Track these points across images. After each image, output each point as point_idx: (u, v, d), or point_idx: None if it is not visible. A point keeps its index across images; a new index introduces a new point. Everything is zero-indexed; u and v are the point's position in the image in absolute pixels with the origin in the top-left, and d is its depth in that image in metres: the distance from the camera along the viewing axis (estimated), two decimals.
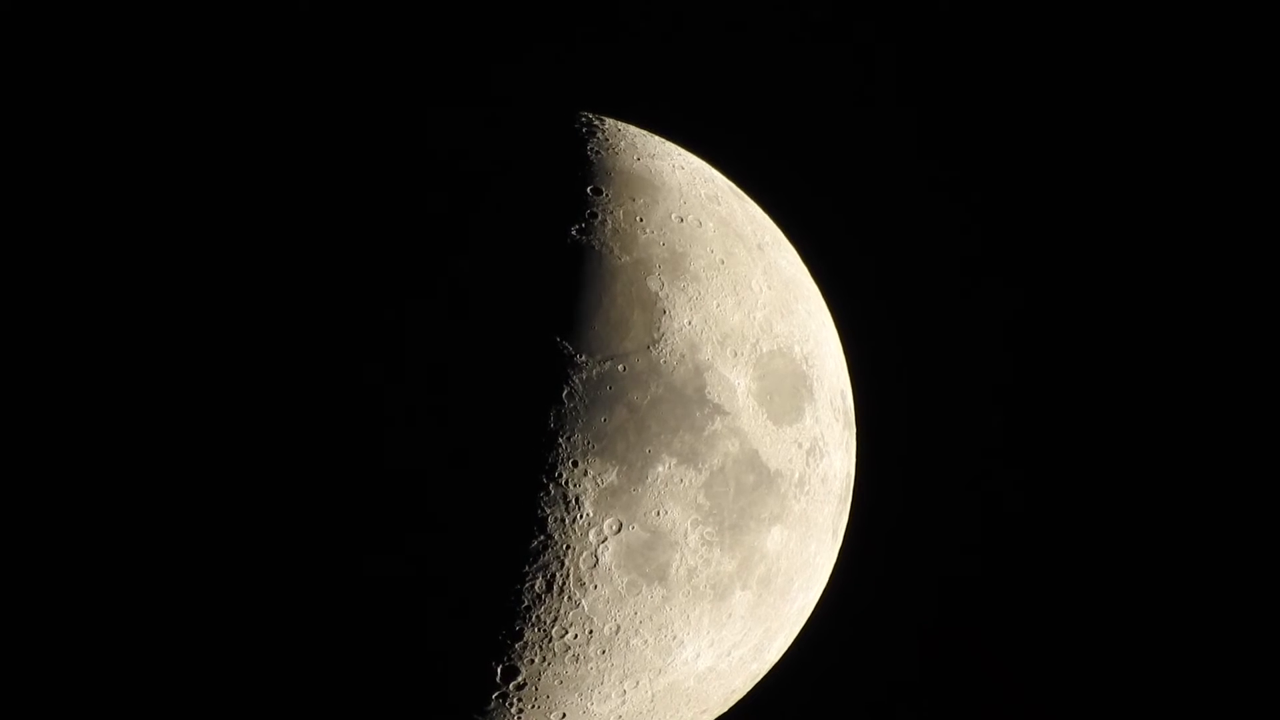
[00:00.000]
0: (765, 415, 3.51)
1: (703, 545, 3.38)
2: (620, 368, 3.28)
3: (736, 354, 3.48)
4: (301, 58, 5.35)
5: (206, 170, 3.68)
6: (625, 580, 3.31)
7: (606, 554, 3.28)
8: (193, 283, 3.41)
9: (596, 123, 3.85)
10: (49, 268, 3.58)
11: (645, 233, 3.49)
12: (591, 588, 3.29)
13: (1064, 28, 5.88)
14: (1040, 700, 5.77)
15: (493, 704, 3.39)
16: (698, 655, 3.55)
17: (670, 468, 3.30)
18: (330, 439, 3.18)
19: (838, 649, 5.34)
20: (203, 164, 3.71)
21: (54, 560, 3.45)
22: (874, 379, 4.46)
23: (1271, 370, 5.71)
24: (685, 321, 3.40)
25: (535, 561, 3.23)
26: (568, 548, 3.24)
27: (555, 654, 3.35)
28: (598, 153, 3.68)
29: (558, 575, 3.26)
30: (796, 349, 3.69)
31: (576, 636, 3.34)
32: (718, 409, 3.39)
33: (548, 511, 3.21)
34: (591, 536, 3.26)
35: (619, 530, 3.28)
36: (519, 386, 3.19)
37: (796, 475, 3.61)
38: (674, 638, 3.46)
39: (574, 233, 3.39)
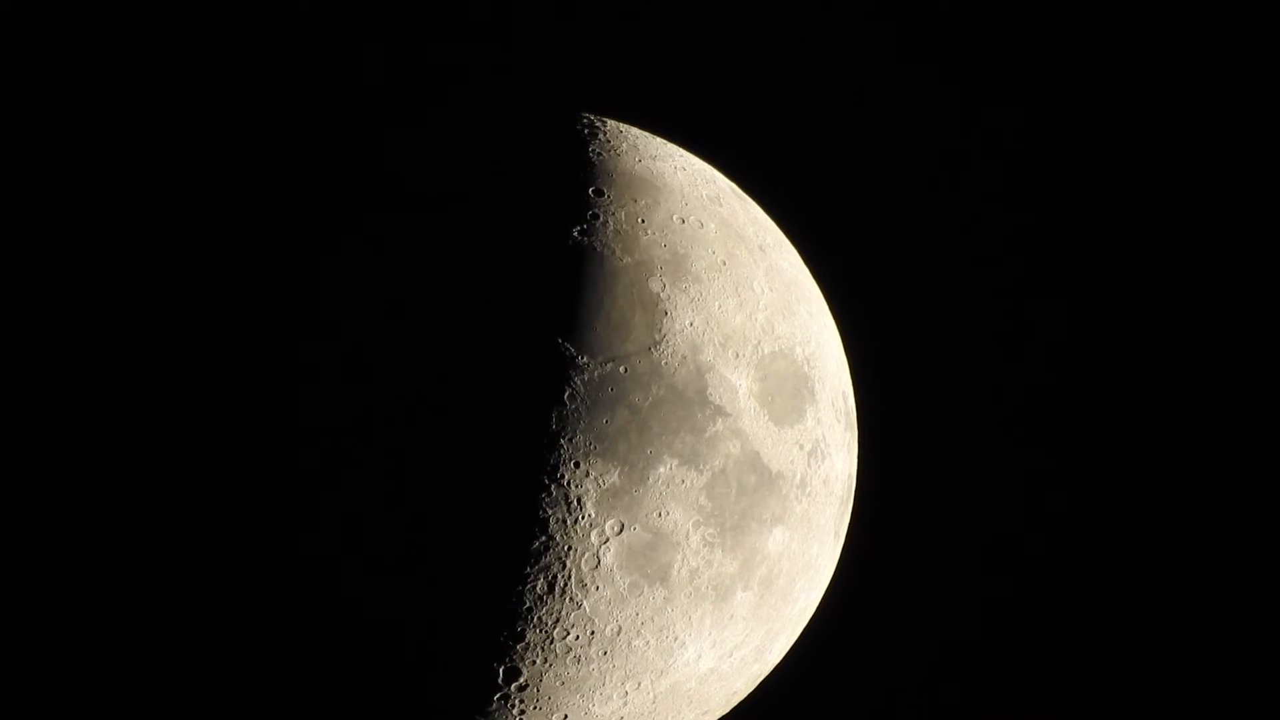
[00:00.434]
0: (767, 416, 3.51)
1: (704, 546, 3.38)
2: (622, 369, 3.28)
3: (738, 355, 3.48)
4: (302, 59, 5.36)
5: (203, 171, 3.68)
6: (627, 581, 3.32)
7: (608, 555, 3.28)
8: (189, 290, 3.41)
9: (598, 124, 3.86)
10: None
11: (647, 234, 3.50)
12: (593, 589, 3.30)
13: (1066, 27, 5.88)
14: (1041, 701, 5.76)
15: (495, 705, 3.39)
16: (699, 656, 3.55)
17: (672, 469, 3.30)
18: (330, 439, 3.19)
19: (840, 650, 5.34)
20: (198, 164, 3.71)
21: (50, 559, 3.45)
22: (875, 380, 4.46)
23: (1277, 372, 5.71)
24: (687, 323, 3.41)
25: (537, 562, 3.23)
26: (570, 549, 3.25)
27: (557, 655, 3.35)
28: (599, 154, 3.68)
29: (559, 576, 3.26)
30: (798, 350, 3.70)
31: (578, 637, 3.35)
32: (719, 410, 3.39)
33: (549, 513, 3.21)
34: (593, 537, 3.26)
35: (621, 531, 3.28)
36: (521, 388, 3.19)
37: (798, 476, 3.61)
38: (676, 639, 3.46)
39: (576, 234, 3.39)
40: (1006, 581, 5.84)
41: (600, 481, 3.23)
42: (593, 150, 3.69)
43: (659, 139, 3.99)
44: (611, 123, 3.91)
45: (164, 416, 3.32)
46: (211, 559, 3.31)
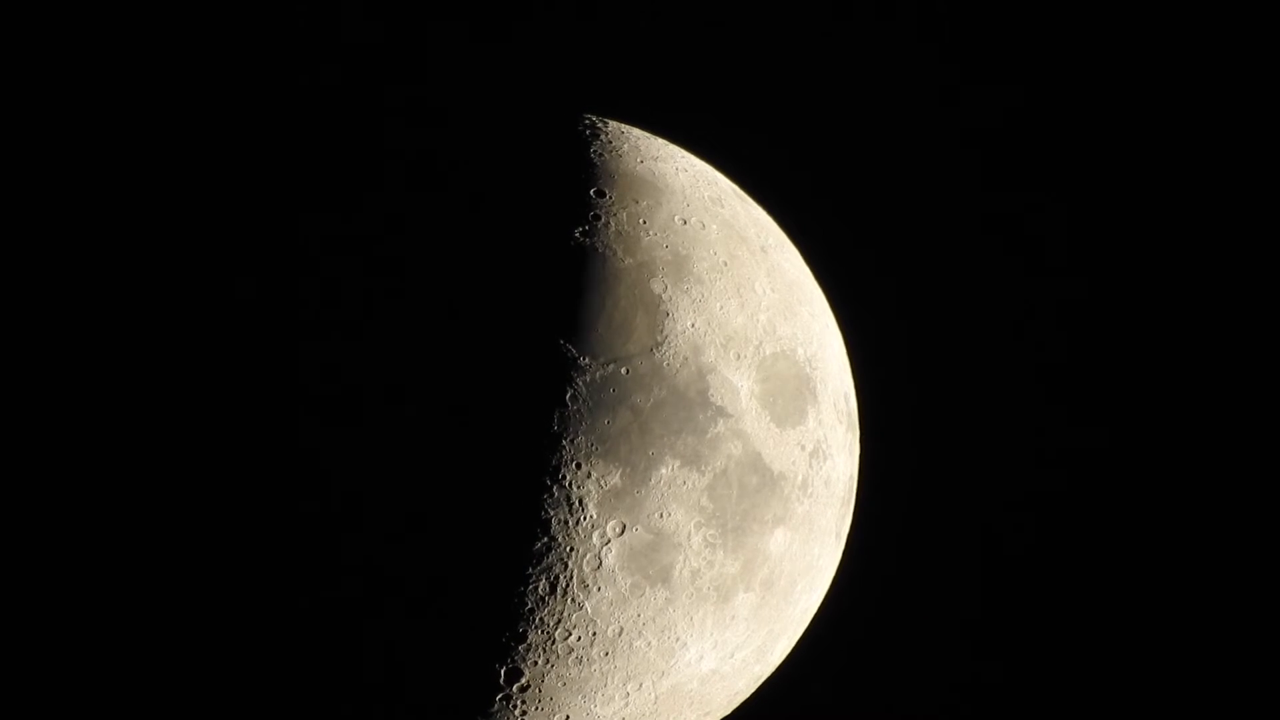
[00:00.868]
0: (768, 418, 3.51)
1: (706, 547, 3.38)
2: (624, 370, 3.28)
3: (740, 356, 3.48)
4: (303, 60, 5.36)
5: (202, 171, 3.68)
6: (629, 582, 3.32)
7: (610, 556, 3.28)
8: (188, 290, 3.42)
9: (600, 125, 3.86)
10: None
11: (648, 235, 3.50)
12: (595, 589, 3.30)
13: (1068, 27, 5.88)
14: (1043, 702, 5.76)
15: (496, 706, 3.40)
16: (701, 657, 3.55)
17: (673, 470, 3.30)
18: (332, 440, 3.19)
19: (841, 651, 5.34)
20: (197, 163, 3.71)
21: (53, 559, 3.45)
22: (877, 381, 4.46)
23: None
24: (688, 324, 3.41)
25: (539, 563, 3.23)
26: (571, 550, 3.25)
27: (559, 656, 3.35)
28: (601, 155, 3.69)
29: (561, 577, 3.26)
30: (800, 351, 3.70)
31: (580, 638, 3.35)
32: (721, 411, 3.39)
33: (551, 513, 3.21)
34: (595, 538, 3.26)
35: (622, 532, 3.28)
36: (523, 389, 3.20)
37: (800, 477, 3.61)
38: (677, 640, 3.46)
39: (577, 235, 3.39)
40: (1008, 583, 5.84)
41: (602, 482, 3.24)
42: (594, 151, 3.69)
43: (661, 140, 3.99)
44: (613, 124, 3.91)
45: (163, 427, 3.32)
46: (211, 559, 3.31)
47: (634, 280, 3.39)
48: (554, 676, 3.38)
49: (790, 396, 3.60)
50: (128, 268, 3.50)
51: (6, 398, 3.43)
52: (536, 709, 3.43)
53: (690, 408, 3.34)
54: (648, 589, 3.34)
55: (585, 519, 3.24)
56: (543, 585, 3.25)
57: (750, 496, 3.45)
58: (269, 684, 3.43)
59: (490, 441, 3.16)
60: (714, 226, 3.67)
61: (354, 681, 3.38)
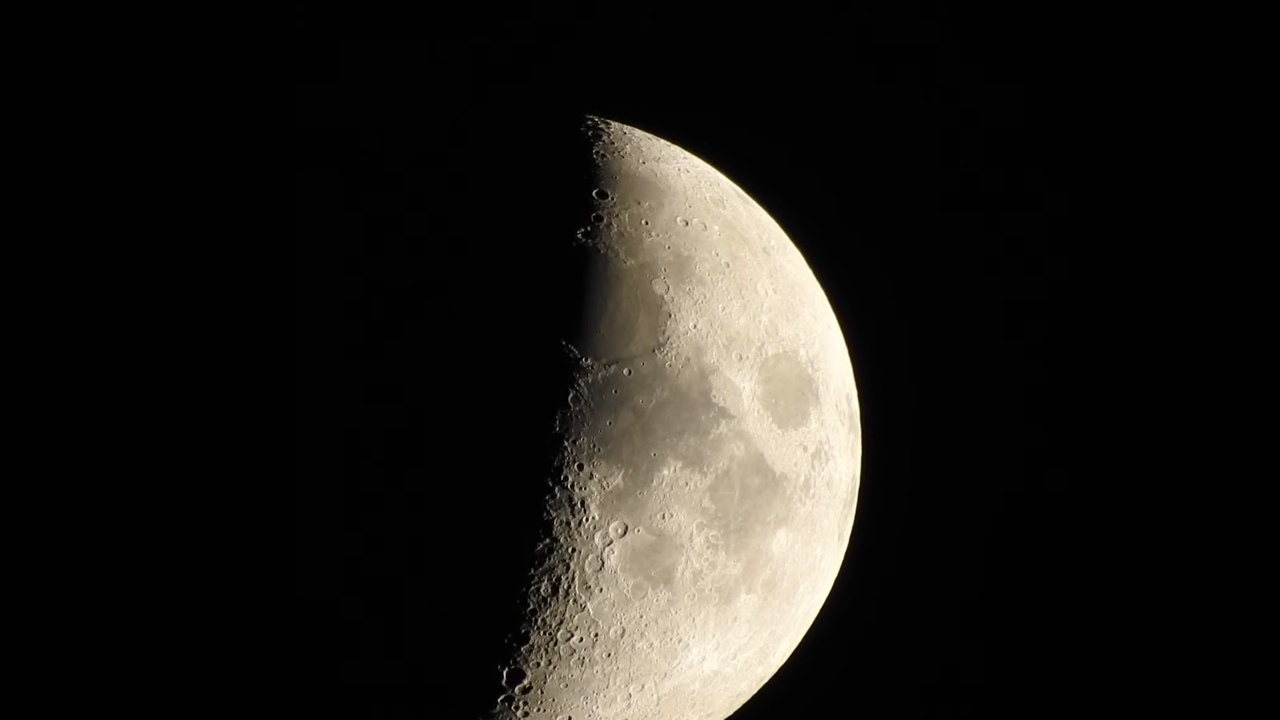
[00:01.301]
0: (771, 419, 3.51)
1: (708, 548, 3.38)
2: (626, 371, 3.28)
3: (742, 357, 3.48)
4: (304, 60, 5.37)
5: (200, 173, 3.68)
6: (631, 583, 3.32)
7: (612, 557, 3.28)
8: (186, 290, 3.42)
9: (602, 126, 3.86)
10: None
11: (650, 236, 3.50)
12: (597, 591, 3.30)
13: (1073, 26, 5.88)
14: (1044, 702, 5.75)
15: (498, 707, 3.39)
16: (703, 659, 3.55)
17: (675, 471, 3.30)
18: (333, 441, 3.19)
19: (843, 653, 5.34)
20: (195, 166, 3.72)
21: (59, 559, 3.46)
22: (879, 382, 4.46)
23: None
24: (690, 325, 3.41)
25: (541, 565, 3.23)
26: (573, 551, 3.25)
27: (561, 657, 3.35)
28: (603, 156, 3.69)
29: (563, 578, 3.26)
30: (802, 352, 3.69)
31: (582, 640, 3.35)
32: (723, 412, 3.39)
33: (553, 515, 3.21)
34: (597, 540, 3.26)
35: (624, 533, 3.28)
36: (524, 390, 3.20)
37: (802, 478, 3.60)
38: (679, 641, 3.46)
39: (579, 236, 3.39)
40: (1010, 584, 5.84)
41: (604, 484, 3.24)
42: (596, 152, 3.69)
43: (663, 141, 3.99)
44: (615, 124, 3.91)
45: (163, 428, 3.33)
46: (210, 560, 3.31)
47: (636, 281, 3.39)
48: (556, 678, 3.38)
49: (792, 398, 3.60)
50: (127, 268, 3.51)
51: (7, 398, 3.44)
52: (538, 710, 3.43)
53: (692, 409, 3.34)
54: (650, 590, 3.34)
55: (587, 520, 3.24)
56: (545, 586, 3.25)
57: (752, 498, 3.45)
58: (270, 685, 3.43)
59: (492, 442, 3.16)
60: (716, 227, 3.67)
61: (355, 682, 3.38)
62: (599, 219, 3.46)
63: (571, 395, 3.22)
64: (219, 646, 3.40)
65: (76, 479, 3.38)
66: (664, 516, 3.30)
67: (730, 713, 4.02)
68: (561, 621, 3.30)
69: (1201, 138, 5.84)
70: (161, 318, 3.42)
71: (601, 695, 3.47)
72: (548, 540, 3.22)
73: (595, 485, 3.23)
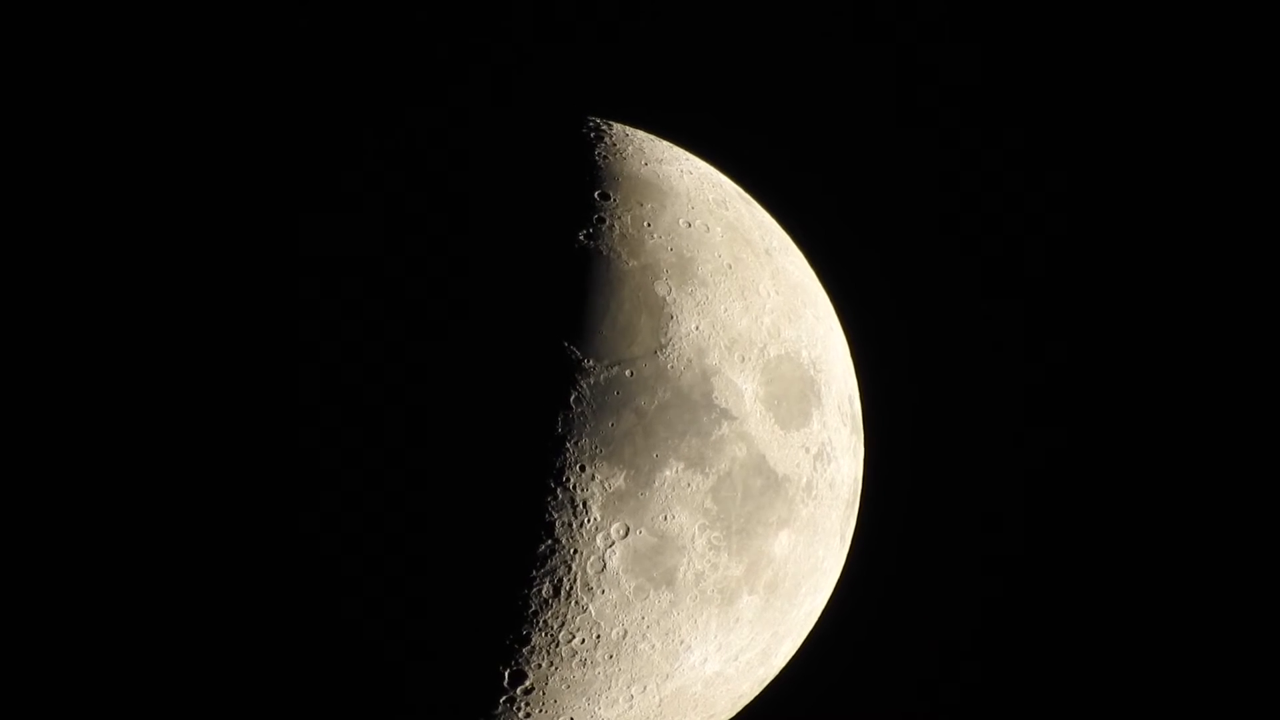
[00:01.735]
0: (773, 420, 3.51)
1: (710, 550, 3.38)
2: (628, 373, 3.28)
3: (744, 359, 3.48)
4: (305, 63, 5.37)
5: (200, 174, 3.68)
6: (633, 585, 3.31)
7: (614, 558, 3.28)
8: (185, 290, 3.42)
9: (604, 127, 3.86)
10: None
11: (653, 238, 3.50)
12: (599, 592, 3.30)
13: (1073, 28, 5.88)
14: (1045, 703, 5.75)
15: (500, 709, 3.39)
16: (705, 660, 3.55)
17: (677, 472, 3.30)
18: (334, 441, 3.19)
19: (845, 654, 5.33)
20: (201, 169, 3.72)
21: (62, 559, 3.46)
22: (881, 383, 4.46)
23: None
24: (693, 326, 3.41)
25: (543, 566, 3.23)
26: (575, 552, 3.25)
27: (563, 659, 3.35)
28: (605, 158, 3.69)
29: (565, 580, 3.26)
30: (804, 354, 3.69)
31: (584, 641, 3.34)
32: (725, 414, 3.39)
33: (555, 516, 3.21)
34: (599, 541, 3.26)
35: (626, 535, 3.28)
36: (526, 391, 3.20)
37: (804, 480, 3.60)
38: (681, 642, 3.46)
39: (582, 238, 3.40)
40: (1011, 585, 5.83)
41: (606, 485, 3.24)
42: (598, 154, 3.70)
43: (665, 142, 3.99)
44: (617, 126, 3.91)
45: (162, 429, 3.33)
46: (212, 562, 3.31)
47: (638, 283, 3.39)
48: (558, 679, 3.38)
49: (794, 399, 3.60)
50: (127, 269, 3.51)
51: (9, 401, 3.44)
52: (540, 711, 3.43)
53: (694, 410, 3.34)
54: (652, 591, 3.34)
55: (589, 521, 3.24)
56: (546, 588, 3.25)
57: (754, 499, 3.45)
58: (270, 686, 3.43)
59: (494, 443, 3.16)
60: (718, 229, 3.67)
61: (356, 683, 3.38)
62: (601, 220, 3.46)
63: (573, 396, 3.22)
64: (219, 648, 3.41)
65: (77, 467, 3.39)
66: (666, 518, 3.30)
67: (732, 714, 4.01)
68: (563, 623, 3.30)
69: (1203, 140, 5.83)
70: (162, 318, 3.42)
71: (603, 696, 3.47)
72: (550, 541, 3.22)
73: (597, 486, 3.23)
